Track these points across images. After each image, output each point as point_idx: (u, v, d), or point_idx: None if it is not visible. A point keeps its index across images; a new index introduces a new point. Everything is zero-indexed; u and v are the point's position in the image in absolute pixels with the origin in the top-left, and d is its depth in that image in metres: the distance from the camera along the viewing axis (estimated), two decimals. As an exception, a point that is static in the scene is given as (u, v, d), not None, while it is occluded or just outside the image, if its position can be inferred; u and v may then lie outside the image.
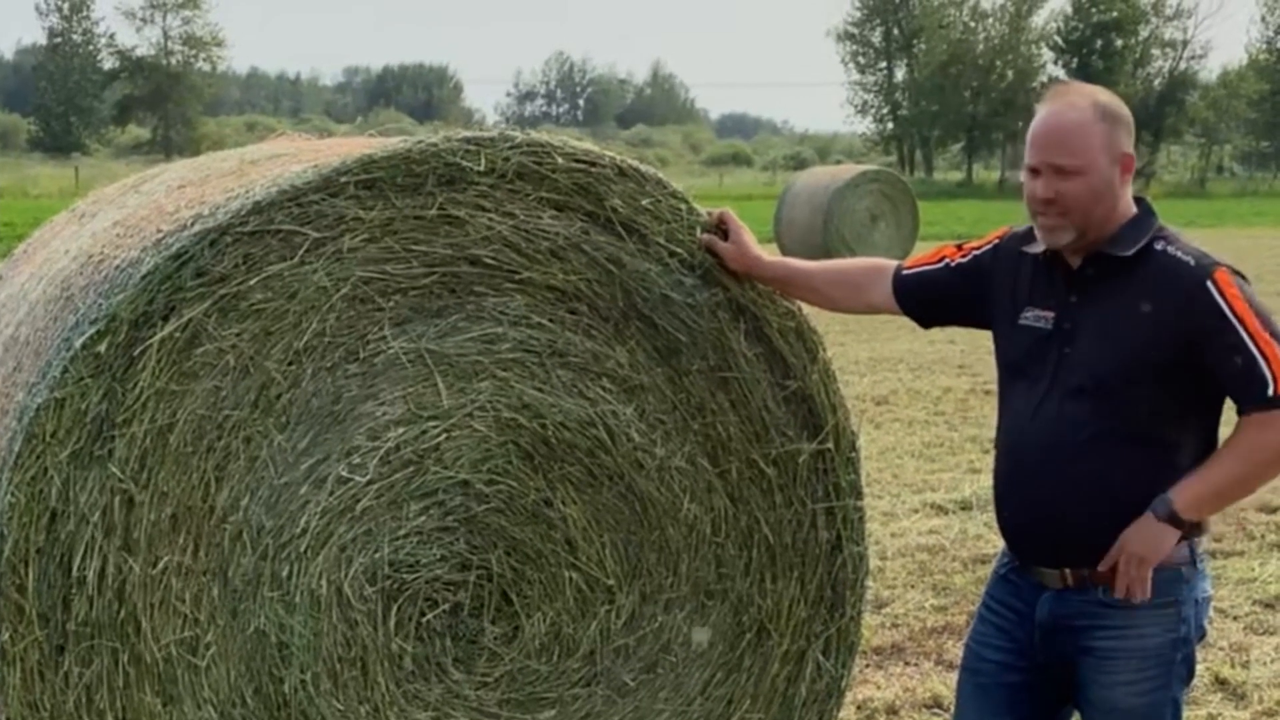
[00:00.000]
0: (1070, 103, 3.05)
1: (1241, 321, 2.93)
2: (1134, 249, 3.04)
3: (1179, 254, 3.02)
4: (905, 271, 3.43)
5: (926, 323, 3.48)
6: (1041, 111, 3.08)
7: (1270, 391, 2.91)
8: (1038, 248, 3.15)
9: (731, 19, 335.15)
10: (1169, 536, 2.98)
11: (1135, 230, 3.06)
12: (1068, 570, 3.12)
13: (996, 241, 3.31)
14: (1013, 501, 3.20)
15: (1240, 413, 2.97)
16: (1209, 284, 2.96)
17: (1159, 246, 3.04)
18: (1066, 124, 3.03)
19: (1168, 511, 2.97)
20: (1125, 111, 3.09)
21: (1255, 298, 3.00)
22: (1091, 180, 3.02)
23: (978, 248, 3.35)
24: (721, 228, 3.59)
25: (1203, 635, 3.14)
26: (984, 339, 3.33)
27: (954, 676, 3.64)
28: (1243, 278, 3.02)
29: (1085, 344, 3.05)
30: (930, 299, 3.40)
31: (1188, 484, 2.97)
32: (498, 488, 3.49)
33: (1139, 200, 3.12)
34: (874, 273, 3.50)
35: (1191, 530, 3.04)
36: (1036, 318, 3.14)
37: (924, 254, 3.48)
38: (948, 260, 3.37)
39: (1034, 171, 3.07)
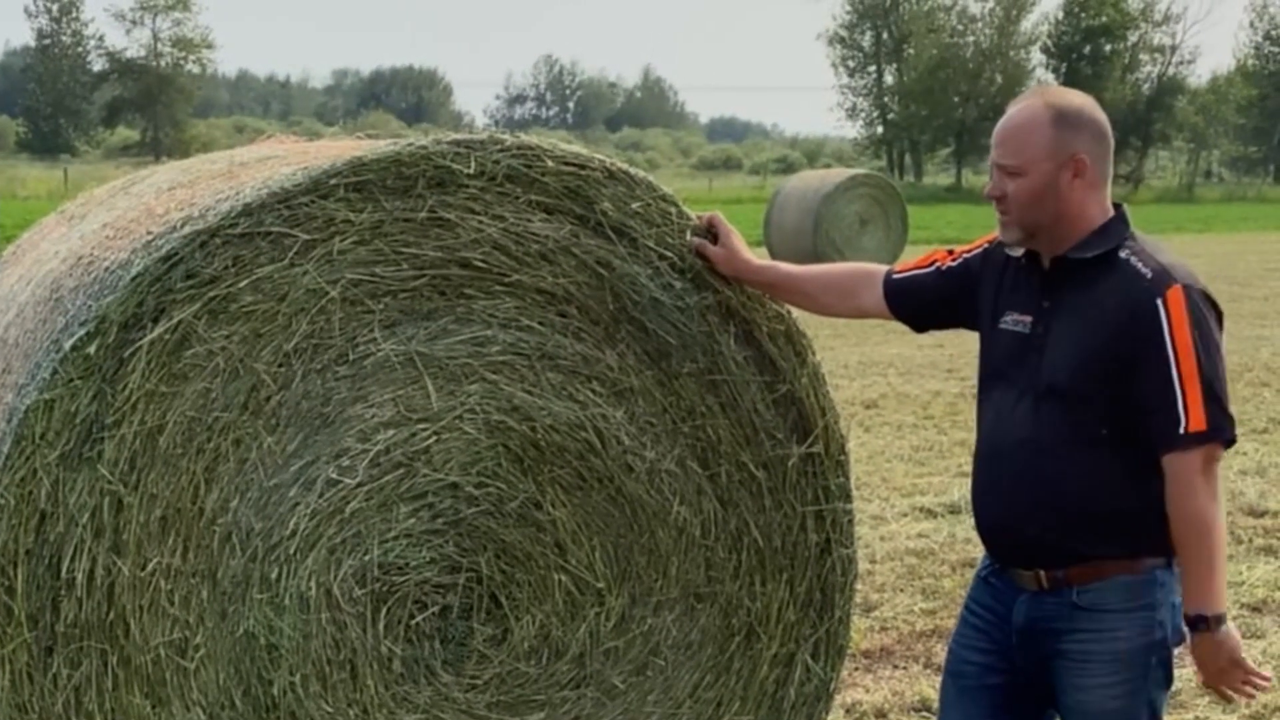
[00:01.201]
0: (1027, 104, 3.10)
1: (1176, 351, 2.93)
2: (1095, 253, 3.05)
3: (1140, 265, 3.01)
4: (896, 276, 3.44)
5: (919, 326, 3.49)
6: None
7: (1180, 430, 2.93)
8: (1017, 250, 3.18)
9: (721, 23, 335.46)
10: (1213, 639, 3.00)
11: (1101, 237, 3.07)
12: (1042, 572, 3.13)
13: (986, 246, 3.33)
14: (988, 503, 3.21)
15: (1157, 455, 2.97)
16: (1158, 302, 2.95)
17: (1123, 255, 3.04)
18: (1012, 125, 3.09)
19: (1192, 620, 3.00)
20: (1089, 117, 3.07)
21: (1205, 325, 2.97)
22: (1031, 181, 3.05)
23: (968, 251, 3.37)
24: (711, 231, 3.60)
25: (1181, 640, 3.15)
26: (972, 343, 3.35)
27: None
28: (1205, 298, 3.00)
29: (1052, 348, 3.07)
30: (921, 303, 3.41)
31: (1186, 586, 3.00)
32: (487, 490, 3.49)
33: (1116, 206, 3.14)
34: (864, 277, 3.51)
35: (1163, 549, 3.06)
36: (1015, 321, 3.16)
37: (915, 258, 3.49)
38: (938, 264, 3.39)
39: (992, 168, 3.14)
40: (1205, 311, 2.98)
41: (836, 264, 3.74)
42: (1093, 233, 3.08)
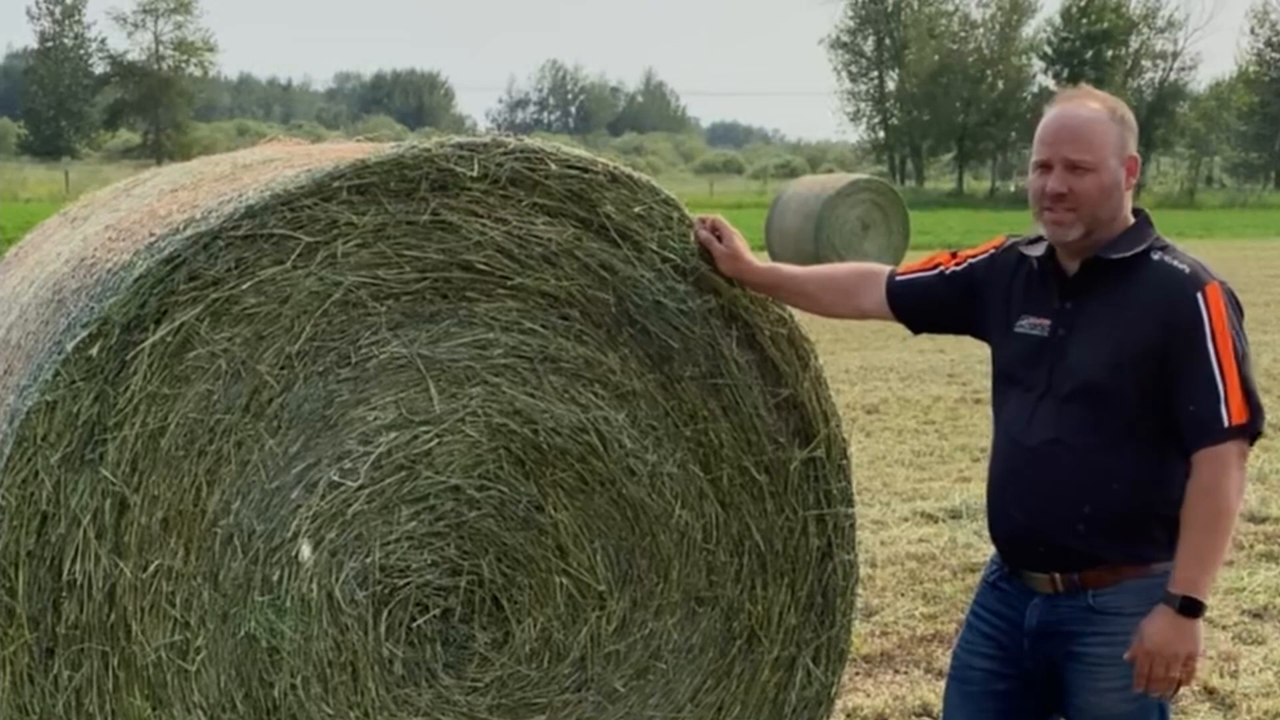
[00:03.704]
0: (1083, 103, 3.11)
1: (1216, 347, 2.96)
2: (1129, 253, 3.07)
3: (1175, 263, 3.05)
4: (899, 277, 3.44)
5: (917, 328, 3.49)
6: (1054, 110, 3.13)
7: (1224, 424, 2.94)
8: (1037, 251, 3.18)
9: (723, 27, 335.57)
10: (1188, 625, 2.97)
11: (1131, 238, 3.09)
12: (1057, 575, 3.13)
13: (993, 251, 3.33)
14: (1005, 506, 3.21)
15: (1191, 449, 2.98)
16: (1199, 296, 2.98)
17: (1156, 255, 3.07)
18: (1081, 120, 3.07)
19: (1179, 601, 2.96)
20: (1131, 117, 3.13)
21: (1239, 324, 3.02)
22: (1102, 177, 3.05)
23: (973, 256, 3.36)
24: (715, 233, 3.60)
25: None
26: (974, 348, 3.36)
27: (943, 685, 3.64)
28: (1234, 298, 3.04)
29: (1079, 349, 3.08)
30: (923, 305, 3.41)
31: (1180, 566, 2.97)
32: (489, 493, 3.49)
33: (1137, 211, 3.16)
34: (866, 277, 3.50)
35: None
36: (1032, 325, 3.16)
37: (918, 260, 3.48)
38: (942, 267, 3.38)
39: (1044, 167, 3.09)
40: (1235, 308, 3.03)
41: (838, 264, 3.73)
42: (1121, 234, 3.10)
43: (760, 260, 3.63)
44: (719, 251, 3.56)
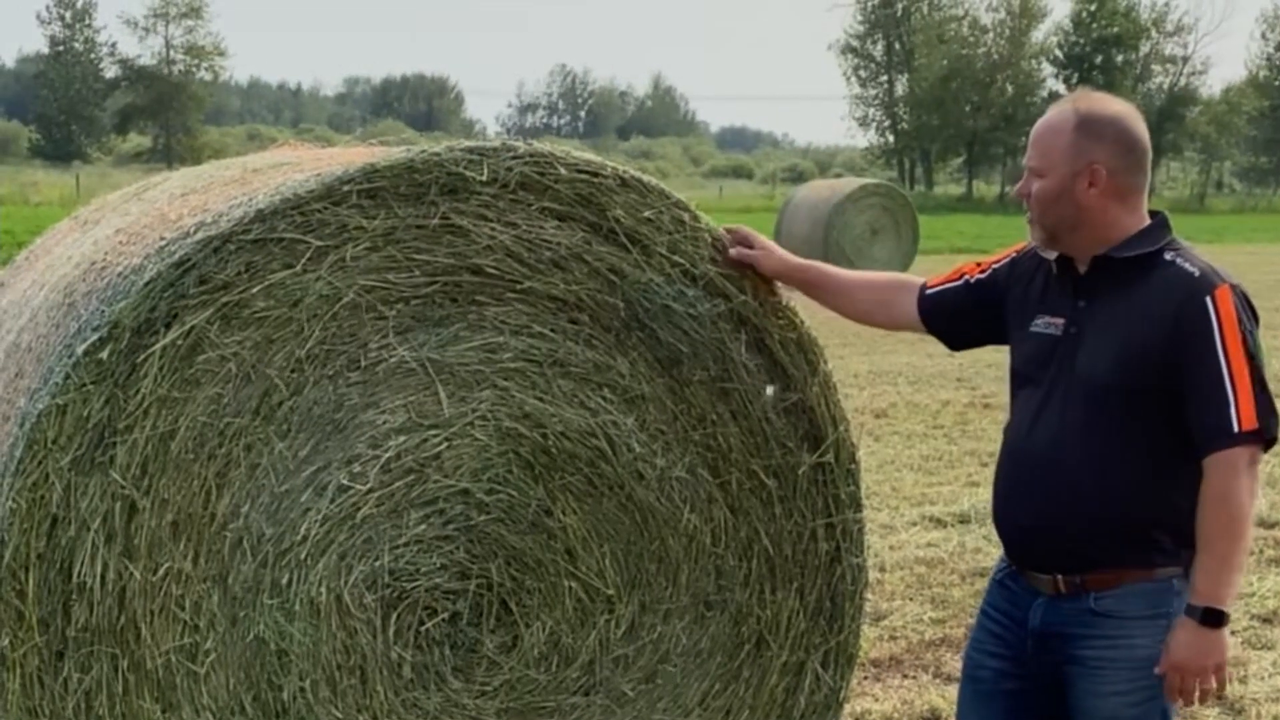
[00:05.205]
0: (1060, 108, 3.13)
1: (1227, 349, 2.95)
2: (1136, 252, 3.07)
3: (1187, 265, 3.04)
4: (929, 291, 3.46)
5: (954, 344, 3.50)
6: None
7: (1234, 429, 2.93)
8: (1051, 254, 3.19)
9: (732, 32, 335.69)
10: (1213, 636, 2.96)
11: (1143, 240, 3.09)
12: (1060, 576, 3.13)
13: (1014, 255, 3.34)
14: (1011, 504, 3.21)
15: (1201, 454, 2.97)
16: (1207, 300, 2.98)
17: (1169, 256, 3.07)
18: (1041, 126, 3.14)
19: (1200, 612, 2.96)
20: (1117, 128, 3.08)
21: (1251, 327, 3.00)
22: (1049, 184, 3.08)
23: (996, 262, 3.39)
24: (745, 243, 3.60)
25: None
26: (982, 352, 3.35)
27: (951, 689, 3.65)
28: (1247, 301, 3.03)
29: (1088, 349, 3.08)
30: (952, 317, 3.42)
31: (1199, 577, 2.96)
32: (498, 497, 3.49)
33: (1155, 214, 3.15)
34: (903, 288, 3.51)
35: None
36: (1046, 324, 3.17)
37: (946, 272, 3.50)
38: (967, 277, 3.40)
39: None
40: (1248, 311, 3.02)
41: (876, 272, 3.74)
42: (1132, 236, 3.09)
43: (799, 259, 3.64)
44: (755, 256, 3.56)
